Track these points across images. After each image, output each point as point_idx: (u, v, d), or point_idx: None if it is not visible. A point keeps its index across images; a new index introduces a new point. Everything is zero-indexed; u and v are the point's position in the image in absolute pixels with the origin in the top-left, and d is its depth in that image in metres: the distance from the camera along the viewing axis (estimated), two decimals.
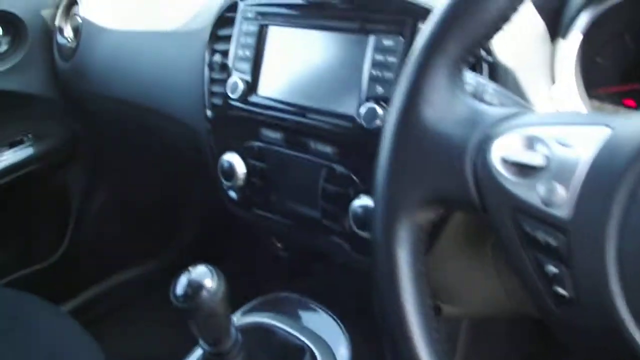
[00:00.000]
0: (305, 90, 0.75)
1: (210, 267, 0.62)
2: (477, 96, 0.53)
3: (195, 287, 0.60)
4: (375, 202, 0.47)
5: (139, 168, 1.38)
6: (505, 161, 0.41)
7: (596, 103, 0.67)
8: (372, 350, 0.81)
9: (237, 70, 0.82)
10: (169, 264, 1.49)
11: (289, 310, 0.87)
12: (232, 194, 0.86)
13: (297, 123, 0.75)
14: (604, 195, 0.37)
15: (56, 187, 1.36)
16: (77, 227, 1.37)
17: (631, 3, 0.62)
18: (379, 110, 0.67)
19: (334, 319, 0.85)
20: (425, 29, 0.45)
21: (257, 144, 0.81)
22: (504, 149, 0.41)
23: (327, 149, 0.74)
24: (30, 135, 1.23)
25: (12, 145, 1.21)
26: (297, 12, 0.77)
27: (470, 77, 0.54)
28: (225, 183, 0.85)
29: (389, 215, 0.45)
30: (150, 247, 1.49)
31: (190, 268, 0.62)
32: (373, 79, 0.68)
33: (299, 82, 0.76)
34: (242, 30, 0.81)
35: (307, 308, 0.88)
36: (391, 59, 0.66)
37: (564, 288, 0.39)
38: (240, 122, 0.82)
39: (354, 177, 0.71)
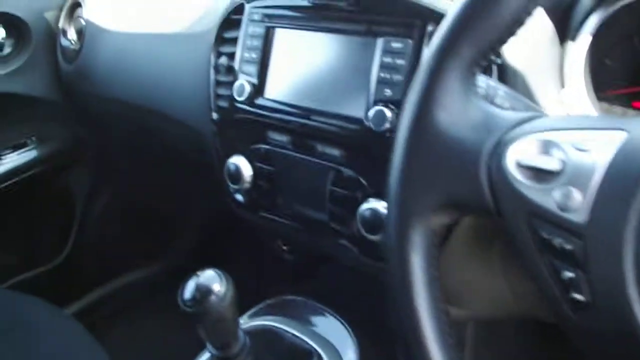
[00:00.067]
0: (312, 93, 0.75)
1: (219, 271, 0.61)
2: (488, 99, 0.52)
3: (203, 292, 0.59)
4: (388, 207, 0.47)
5: (142, 170, 1.38)
6: (520, 166, 0.41)
7: (605, 105, 0.67)
8: (379, 353, 0.80)
9: (243, 72, 0.81)
10: (173, 266, 1.49)
11: (296, 313, 0.87)
12: (239, 196, 0.86)
13: (304, 125, 0.75)
14: (620, 199, 0.36)
15: (60, 190, 1.36)
16: (81, 229, 1.37)
17: None
18: (388, 113, 0.66)
19: (341, 322, 0.85)
20: (439, 33, 0.44)
21: (264, 146, 0.81)
22: (520, 154, 0.41)
23: (335, 152, 0.74)
24: (33, 138, 1.23)
25: (15, 148, 1.20)
26: (303, 14, 0.76)
27: (481, 80, 0.54)
28: (232, 186, 0.84)
29: (403, 220, 0.45)
30: (154, 250, 1.49)
31: (198, 272, 0.61)
32: (381, 82, 0.68)
33: (306, 84, 0.76)
34: (248, 33, 0.81)
35: (314, 311, 0.88)
36: (400, 62, 0.66)
37: (580, 293, 0.38)
38: (247, 124, 0.82)
39: (362, 180, 0.71)
